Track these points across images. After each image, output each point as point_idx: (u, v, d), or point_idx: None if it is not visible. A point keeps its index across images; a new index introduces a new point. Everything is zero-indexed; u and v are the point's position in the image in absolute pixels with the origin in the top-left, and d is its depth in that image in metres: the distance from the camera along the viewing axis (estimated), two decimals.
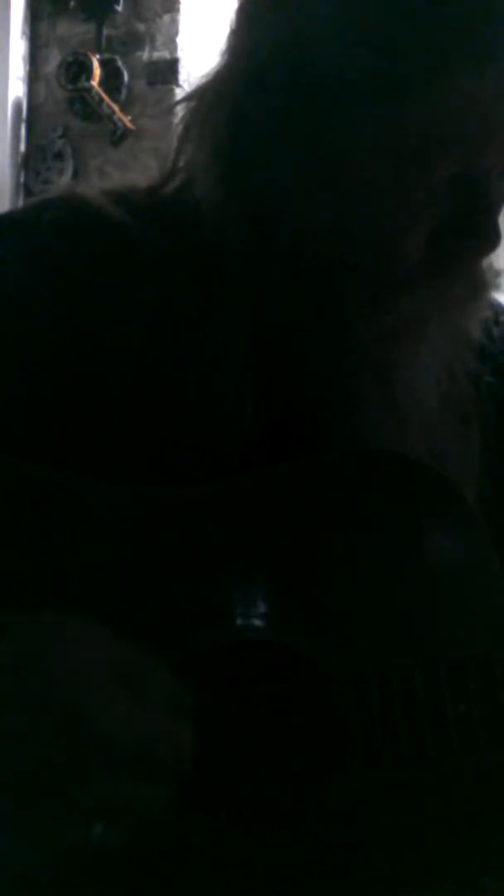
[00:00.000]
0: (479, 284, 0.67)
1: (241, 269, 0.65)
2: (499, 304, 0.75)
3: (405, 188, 0.60)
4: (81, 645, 0.57)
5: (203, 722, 0.60)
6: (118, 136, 2.99)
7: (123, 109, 3.00)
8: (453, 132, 0.59)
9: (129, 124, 2.98)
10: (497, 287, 0.70)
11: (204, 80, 0.67)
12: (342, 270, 0.64)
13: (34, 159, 3.20)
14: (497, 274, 0.69)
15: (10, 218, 0.75)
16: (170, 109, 2.90)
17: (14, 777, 0.54)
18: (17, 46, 3.19)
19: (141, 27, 3.03)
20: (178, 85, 2.96)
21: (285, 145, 0.62)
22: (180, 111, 0.70)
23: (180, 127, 0.70)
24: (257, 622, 0.63)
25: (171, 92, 2.96)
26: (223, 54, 0.66)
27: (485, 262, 0.66)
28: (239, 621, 0.63)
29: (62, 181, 3.09)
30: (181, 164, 0.70)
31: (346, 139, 0.61)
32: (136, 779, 0.56)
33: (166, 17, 2.99)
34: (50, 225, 0.67)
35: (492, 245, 0.63)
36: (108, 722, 0.55)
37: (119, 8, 3.02)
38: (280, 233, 0.64)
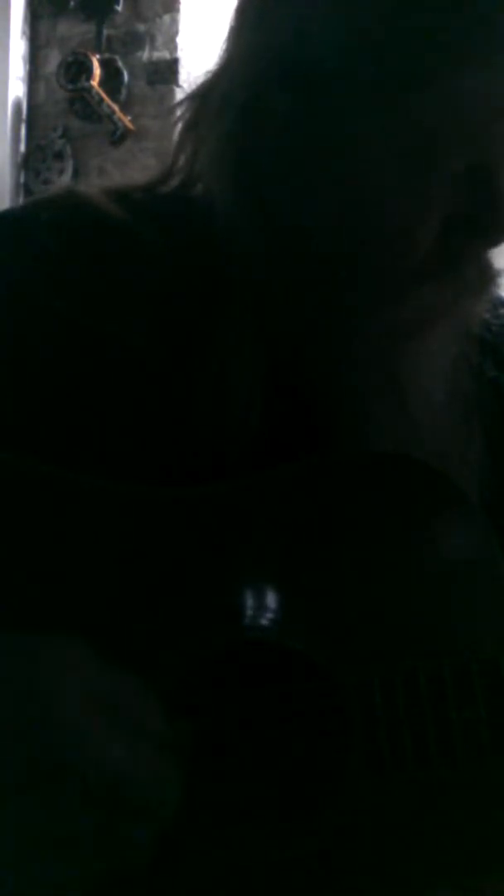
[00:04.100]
0: (488, 276, 0.66)
1: (249, 268, 0.65)
2: (497, 296, 0.75)
3: (415, 183, 0.60)
4: (63, 666, 0.54)
5: (205, 722, 0.59)
6: (118, 136, 3.00)
7: (123, 109, 3.00)
8: (463, 126, 0.58)
9: (129, 124, 2.99)
10: (497, 287, 0.70)
11: (207, 79, 0.67)
12: (351, 268, 0.63)
13: (34, 159, 3.21)
14: (497, 274, 0.68)
15: (8, 217, 0.74)
16: (170, 110, 2.90)
17: None
18: (17, 46, 3.19)
19: (141, 27, 3.03)
20: (178, 85, 2.96)
21: (294, 144, 0.62)
22: (181, 110, 0.69)
23: (181, 126, 0.69)
24: (263, 624, 0.62)
25: (171, 92, 2.97)
26: (225, 53, 0.65)
27: (490, 255, 0.66)
28: (244, 623, 0.62)
29: (62, 181, 3.10)
30: (181, 162, 0.70)
31: (356, 136, 0.60)
32: (112, 815, 0.53)
33: (166, 17, 2.99)
34: (48, 224, 0.67)
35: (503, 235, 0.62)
36: (82, 750, 0.52)
37: (119, 8, 3.03)
38: (289, 231, 0.64)
